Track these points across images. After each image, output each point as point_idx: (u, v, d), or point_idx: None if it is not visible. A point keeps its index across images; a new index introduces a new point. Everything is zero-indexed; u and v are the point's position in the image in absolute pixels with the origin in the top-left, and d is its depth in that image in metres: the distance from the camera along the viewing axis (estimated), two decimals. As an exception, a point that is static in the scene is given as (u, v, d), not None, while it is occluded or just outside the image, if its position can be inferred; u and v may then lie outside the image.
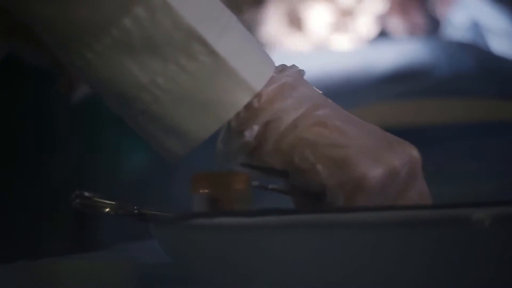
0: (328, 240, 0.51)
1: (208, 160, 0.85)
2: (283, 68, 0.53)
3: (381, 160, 0.54)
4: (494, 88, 0.77)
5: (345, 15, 1.06)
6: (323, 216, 0.51)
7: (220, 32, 0.53)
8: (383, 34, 1.14)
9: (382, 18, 1.11)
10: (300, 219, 0.51)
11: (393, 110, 0.79)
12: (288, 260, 0.49)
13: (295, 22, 1.09)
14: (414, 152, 0.54)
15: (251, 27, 1.05)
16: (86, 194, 0.61)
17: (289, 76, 0.52)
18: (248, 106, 0.54)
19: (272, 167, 0.61)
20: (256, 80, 0.54)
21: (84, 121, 1.14)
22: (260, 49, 0.53)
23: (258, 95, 0.53)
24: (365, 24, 1.06)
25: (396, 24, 1.12)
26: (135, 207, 0.58)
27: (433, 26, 1.08)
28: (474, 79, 0.79)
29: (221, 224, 0.50)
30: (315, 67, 0.91)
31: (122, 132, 1.18)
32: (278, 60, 0.96)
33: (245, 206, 0.70)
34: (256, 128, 0.55)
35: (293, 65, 0.52)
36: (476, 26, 0.85)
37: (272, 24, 1.10)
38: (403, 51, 0.87)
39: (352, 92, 0.84)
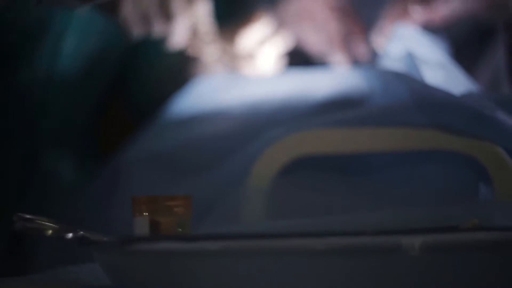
0: (268, 266, 0.52)
1: (149, 183, 0.86)
2: None
3: None
4: (428, 118, 0.80)
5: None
6: (263, 242, 0.52)
7: None
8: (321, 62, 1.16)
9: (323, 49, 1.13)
10: (241, 244, 0.52)
11: (329, 138, 0.80)
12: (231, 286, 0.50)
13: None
14: None
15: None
16: (27, 216, 0.61)
17: None
18: None
19: None
20: None
21: (22, 142, 1.13)
22: None
23: None
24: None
25: (338, 56, 1.14)
26: (78, 230, 0.58)
27: (369, 56, 1.11)
28: (409, 109, 0.80)
29: (163, 249, 0.51)
30: (251, 92, 0.93)
31: (60, 152, 1.18)
32: (215, 84, 0.97)
33: (186, 230, 0.71)
34: None
35: None
36: (410, 57, 0.87)
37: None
38: (340, 79, 0.89)
39: (289, 119, 0.86)
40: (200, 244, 0.51)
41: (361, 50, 1.15)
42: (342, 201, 0.79)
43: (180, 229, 0.71)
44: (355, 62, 1.15)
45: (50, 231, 0.58)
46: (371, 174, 0.81)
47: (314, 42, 1.15)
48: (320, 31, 1.15)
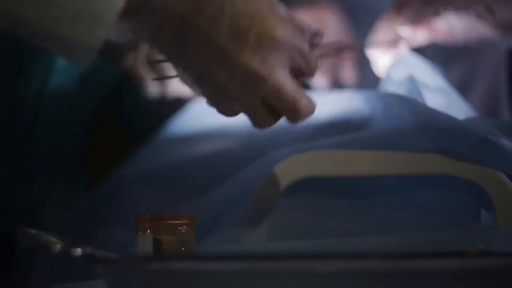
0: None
1: (149, 201, 0.86)
2: None
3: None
4: (429, 142, 0.80)
5: None
6: (267, 264, 0.52)
7: None
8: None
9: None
10: (244, 266, 0.52)
11: (331, 160, 0.80)
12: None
13: None
14: None
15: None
16: (33, 231, 0.60)
17: None
18: None
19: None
20: None
21: (15, 156, 1.12)
22: None
23: None
24: None
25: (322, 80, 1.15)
26: (86, 247, 0.58)
27: (372, 80, 1.12)
28: (411, 133, 0.81)
29: (177, 268, 0.51)
30: None
31: (55, 165, 1.17)
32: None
33: (188, 249, 0.71)
34: None
35: None
36: (412, 81, 0.87)
37: None
38: (343, 101, 0.89)
39: (292, 140, 0.86)
40: (213, 265, 0.51)
41: (348, 75, 1.16)
42: (344, 224, 0.79)
43: (183, 248, 0.71)
44: (340, 86, 1.15)
45: (58, 247, 0.57)
46: (373, 197, 0.81)
47: None
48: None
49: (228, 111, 0.75)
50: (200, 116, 0.95)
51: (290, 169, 0.79)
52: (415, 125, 0.80)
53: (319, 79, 1.15)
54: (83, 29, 0.65)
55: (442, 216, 0.79)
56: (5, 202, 1.12)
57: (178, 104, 1.11)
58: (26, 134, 1.12)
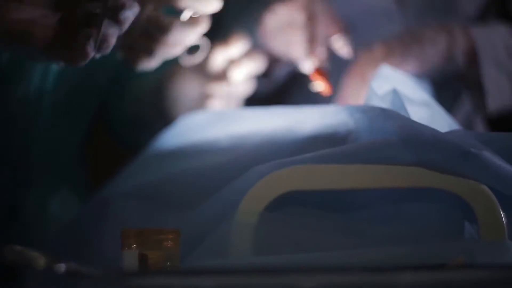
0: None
1: (136, 216, 0.86)
2: None
3: None
4: (413, 155, 0.80)
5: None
6: (257, 278, 0.53)
7: None
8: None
9: None
10: (229, 281, 0.53)
11: (316, 174, 0.81)
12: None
13: None
14: None
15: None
16: (18, 248, 0.61)
17: None
18: None
19: None
20: None
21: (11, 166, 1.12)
22: None
23: None
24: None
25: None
26: (70, 263, 0.58)
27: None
28: (394, 146, 0.81)
29: (161, 284, 0.52)
30: (239, 127, 0.93)
31: (48, 184, 1.17)
32: (203, 118, 0.97)
33: (174, 264, 0.71)
34: None
35: None
36: (395, 95, 0.88)
37: None
38: (327, 115, 0.89)
39: (276, 154, 0.86)
40: (199, 280, 0.51)
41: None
42: (329, 238, 0.79)
43: (169, 263, 0.72)
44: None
45: (42, 263, 0.58)
46: (358, 211, 0.82)
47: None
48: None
49: None
50: (188, 131, 0.96)
51: (274, 184, 0.80)
52: (398, 139, 0.81)
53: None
54: None
55: (426, 229, 0.80)
56: (5, 209, 1.13)
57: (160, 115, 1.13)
58: (25, 141, 1.12)
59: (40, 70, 1.09)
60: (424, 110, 0.89)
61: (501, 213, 0.78)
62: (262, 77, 1.26)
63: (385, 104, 0.88)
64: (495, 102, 1.26)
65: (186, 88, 1.12)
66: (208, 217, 0.82)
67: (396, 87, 0.89)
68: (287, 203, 0.80)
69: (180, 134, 0.95)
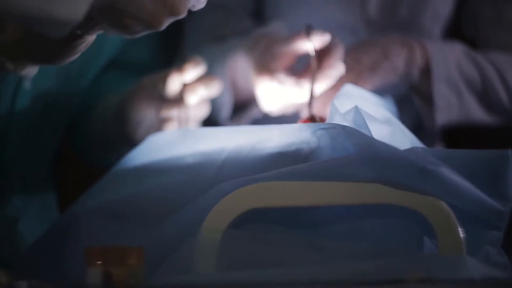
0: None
1: (101, 234, 0.87)
2: None
3: None
4: (372, 172, 0.82)
5: None
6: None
7: None
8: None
9: None
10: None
11: (279, 191, 0.82)
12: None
13: None
14: None
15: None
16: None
17: None
18: None
19: None
20: None
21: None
22: None
23: None
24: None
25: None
26: (33, 279, 0.59)
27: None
28: (354, 163, 0.83)
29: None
30: (203, 145, 0.94)
31: (21, 200, 1.18)
32: (168, 137, 0.98)
33: (138, 281, 0.72)
34: None
35: None
36: (357, 113, 0.90)
37: None
38: (289, 133, 0.91)
39: (240, 172, 0.88)
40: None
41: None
42: (292, 253, 0.81)
43: (133, 280, 0.73)
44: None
45: (4, 280, 0.59)
46: (319, 226, 0.83)
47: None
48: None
49: None
50: (153, 149, 0.97)
51: (238, 201, 0.81)
52: (359, 156, 0.83)
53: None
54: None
55: (386, 244, 0.81)
56: None
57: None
58: None
59: (10, 87, 1.10)
60: (385, 127, 0.91)
61: (459, 228, 0.80)
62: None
63: (347, 122, 0.89)
64: (443, 117, 1.30)
65: (144, 110, 1.14)
66: (173, 234, 0.83)
67: (358, 105, 0.90)
68: (250, 219, 0.82)
69: (146, 153, 0.96)
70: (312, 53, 1.14)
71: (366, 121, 0.89)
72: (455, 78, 1.29)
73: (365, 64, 1.23)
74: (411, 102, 1.33)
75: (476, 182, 0.82)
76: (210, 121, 1.23)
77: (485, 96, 1.32)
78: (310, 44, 1.14)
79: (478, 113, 1.33)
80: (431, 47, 1.29)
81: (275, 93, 1.16)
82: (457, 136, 1.45)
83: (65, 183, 1.39)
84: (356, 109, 0.90)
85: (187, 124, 1.10)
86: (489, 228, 0.82)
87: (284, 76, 1.16)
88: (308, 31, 1.13)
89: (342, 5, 1.44)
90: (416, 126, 1.42)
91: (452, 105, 1.29)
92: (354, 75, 1.22)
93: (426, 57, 1.27)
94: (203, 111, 1.14)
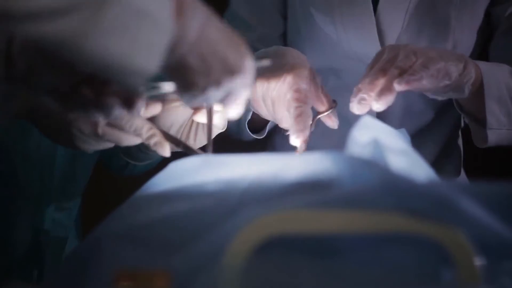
0: None
1: (125, 258, 0.89)
2: None
3: None
4: (392, 202, 0.84)
5: None
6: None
7: None
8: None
9: None
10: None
11: (300, 219, 0.84)
12: None
13: None
14: None
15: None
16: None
17: None
18: None
19: None
20: None
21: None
22: None
23: None
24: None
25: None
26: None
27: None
28: (374, 193, 0.85)
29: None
30: (226, 173, 0.96)
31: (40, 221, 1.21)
32: (191, 164, 1.01)
33: (166, 305, 0.74)
34: None
35: None
36: (375, 144, 0.92)
37: None
38: (310, 163, 0.93)
39: (262, 199, 0.90)
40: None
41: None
42: (314, 281, 0.82)
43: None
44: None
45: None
46: (339, 255, 0.85)
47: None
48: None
49: None
50: (177, 175, 0.99)
51: (261, 228, 0.83)
52: (378, 186, 0.85)
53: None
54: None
55: (406, 273, 0.83)
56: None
57: None
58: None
59: None
60: (403, 159, 0.93)
61: (476, 258, 0.81)
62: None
63: (366, 153, 0.92)
64: (493, 136, 1.32)
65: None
66: (196, 259, 0.85)
67: (377, 137, 0.93)
68: (273, 247, 0.83)
69: (169, 178, 0.98)
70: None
71: (384, 152, 0.91)
72: (505, 98, 1.31)
73: (418, 58, 1.25)
74: (436, 131, 1.36)
75: (493, 212, 0.84)
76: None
77: None
78: None
79: None
80: (483, 65, 1.31)
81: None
82: (478, 166, 1.47)
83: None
84: (375, 141, 0.92)
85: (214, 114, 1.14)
86: (506, 258, 0.84)
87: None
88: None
89: (361, 37, 1.47)
90: (441, 152, 1.45)
91: (502, 124, 1.31)
92: (407, 65, 1.24)
93: (478, 75, 1.30)
94: (224, 121, 1.19)
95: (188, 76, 0.93)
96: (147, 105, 1.15)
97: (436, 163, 1.50)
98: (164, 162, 1.05)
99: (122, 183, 1.37)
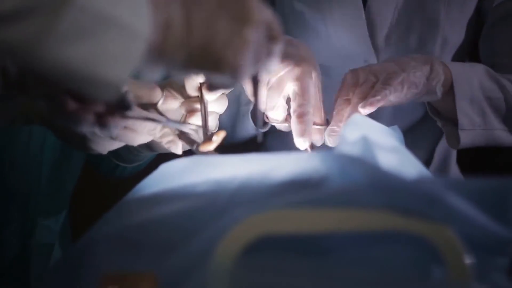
0: None
1: (114, 260, 0.89)
2: None
3: None
4: (381, 200, 0.84)
5: None
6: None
7: None
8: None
9: None
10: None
11: (289, 218, 0.84)
12: None
13: None
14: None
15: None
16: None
17: None
18: None
19: None
20: None
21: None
22: None
23: None
24: None
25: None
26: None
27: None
28: (363, 191, 0.85)
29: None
30: (215, 173, 0.96)
31: (28, 227, 1.21)
32: (180, 165, 1.01)
33: (152, 306, 0.74)
34: None
35: None
36: (365, 142, 0.92)
37: None
38: (299, 162, 0.93)
39: (252, 199, 0.89)
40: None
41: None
42: (303, 281, 0.82)
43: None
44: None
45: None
46: (328, 253, 0.85)
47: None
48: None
49: None
50: (166, 177, 0.98)
51: (250, 228, 0.83)
52: (367, 184, 0.84)
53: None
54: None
55: (395, 271, 0.83)
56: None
57: None
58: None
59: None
60: (393, 156, 0.93)
61: (466, 255, 0.81)
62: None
63: (355, 151, 0.91)
64: (467, 137, 1.31)
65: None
66: (186, 260, 0.84)
67: (367, 134, 0.92)
68: (262, 247, 0.83)
69: (159, 180, 0.98)
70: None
71: (374, 150, 0.91)
72: (479, 97, 1.30)
73: (379, 77, 1.25)
74: (428, 127, 1.35)
75: (484, 209, 0.84)
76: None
77: (509, 116, 1.32)
78: None
79: (502, 134, 1.33)
80: (453, 66, 1.30)
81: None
82: (472, 162, 1.47)
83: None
84: (364, 138, 0.92)
85: (207, 117, 1.13)
86: (496, 254, 0.84)
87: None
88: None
89: (351, 34, 1.46)
90: (433, 149, 1.44)
91: (476, 124, 1.30)
92: (367, 88, 1.24)
93: (448, 75, 1.29)
94: (222, 106, 1.18)
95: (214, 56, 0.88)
96: (166, 97, 1.14)
97: (428, 160, 1.50)
98: (155, 164, 1.05)
99: (113, 186, 1.37)
